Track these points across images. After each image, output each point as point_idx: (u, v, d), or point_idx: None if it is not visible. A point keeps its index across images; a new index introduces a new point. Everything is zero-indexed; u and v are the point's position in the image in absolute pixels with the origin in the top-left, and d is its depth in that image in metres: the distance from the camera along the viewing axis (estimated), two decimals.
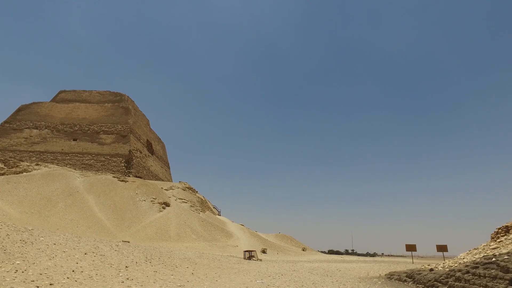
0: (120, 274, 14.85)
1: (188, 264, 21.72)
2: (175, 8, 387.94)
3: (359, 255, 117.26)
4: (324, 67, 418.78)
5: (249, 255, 36.51)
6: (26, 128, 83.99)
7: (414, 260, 57.60)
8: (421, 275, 19.87)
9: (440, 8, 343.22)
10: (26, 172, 74.12)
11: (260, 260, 36.25)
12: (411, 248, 38.94)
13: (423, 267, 23.57)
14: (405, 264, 36.69)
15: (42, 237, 19.43)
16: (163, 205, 66.26)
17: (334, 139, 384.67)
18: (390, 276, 23.63)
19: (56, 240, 19.78)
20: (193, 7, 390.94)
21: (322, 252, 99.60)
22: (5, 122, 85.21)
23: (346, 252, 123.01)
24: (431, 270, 19.98)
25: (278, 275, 22.14)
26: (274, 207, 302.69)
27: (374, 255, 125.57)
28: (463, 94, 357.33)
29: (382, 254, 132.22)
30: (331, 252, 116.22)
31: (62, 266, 13.98)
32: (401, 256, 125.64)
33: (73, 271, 13.62)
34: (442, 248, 38.27)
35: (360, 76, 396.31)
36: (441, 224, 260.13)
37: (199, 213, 71.72)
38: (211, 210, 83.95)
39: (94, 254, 18.13)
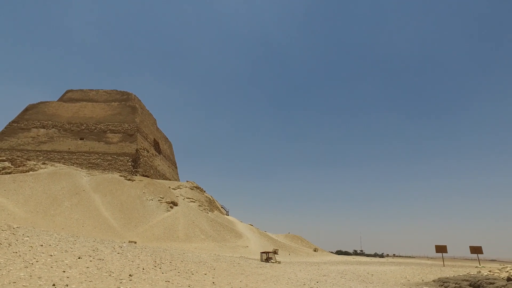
0: None
1: (206, 270, 17.27)
2: (180, 8, 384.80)
3: (367, 255, 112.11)
4: (327, 67, 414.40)
5: (267, 257, 32.00)
6: (33, 127, 79.97)
7: (432, 262, 53.09)
8: (495, 285, 15.32)
9: (445, 8, 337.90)
10: (33, 171, 70.03)
11: (279, 262, 31.71)
12: (441, 249, 34.31)
13: (487, 274, 18.94)
14: (439, 267, 32.09)
15: (27, 237, 15.08)
16: (171, 205, 61.85)
17: (341, 140, 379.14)
18: (443, 284, 19.06)
19: (46, 240, 15.44)
20: (198, 7, 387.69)
21: (330, 252, 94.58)
22: (13, 121, 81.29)
23: (355, 253, 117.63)
24: (509, 279, 15.40)
25: (312, 282, 17.68)
26: (280, 207, 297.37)
27: (382, 255, 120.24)
28: (469, 96, 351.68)
29: (394, 255, 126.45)
30: (339, 252, 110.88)
31: (40, 278, 9.61)
32: (410, 256, 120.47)
33: (53, 285, 9.25)
34: (476, 250, 33.67)
35: (364, 77, 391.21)
36: (447, 225, 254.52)
37: (207, 212, 67.24)
38: (219, 209, 79.41)
39: (91, 258, 13.77)
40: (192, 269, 16.79)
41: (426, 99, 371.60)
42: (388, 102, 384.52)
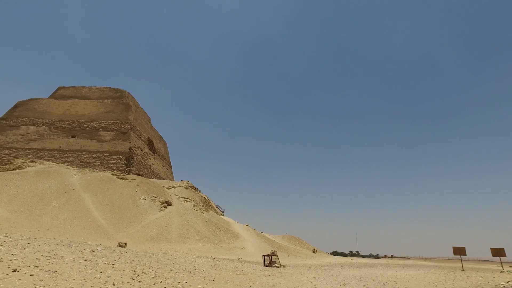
0: None
1: (202, 282, 12.61)
2: (174, 6, 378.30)
3: (362, 256, 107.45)
4: (323, 68, 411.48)
5: (270, 260, 27.35)
6: (23, 125, 74.26)
7: (433, 263, 48.87)
8: None
9: (442, 8, 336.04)
10: (20, 169, 64.42)
11: (284, 266, 27.10)
12: (460, 251, 30.04)
13: None
14: (462, 272, 27.78)
15: None
16: (165, 204, 56.77)
17: (336, 141, 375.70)
18: None
19: None
20: (192, 6, 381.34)
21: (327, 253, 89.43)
22: (1, 118, 75.37)
23: (351, 254, 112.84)
24: None
25: None
26: (273, 208, 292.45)
27: (378, 256, 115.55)
28: (465, 97, 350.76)
29: (392, 256, 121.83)
30: (335, 253, 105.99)
31: None
32: (405, 257, 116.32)
33: None
34: (498, 252, 29.53)
35: (359, 78, 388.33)
36: (439, 226, 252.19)
37: (202, 212, 62.26)
38: (215, 210, 74.42)
39: (35, 271, 9.08)
40: (184, 281, 12.13)
41: (421, 101, 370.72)
42: (383, 104, 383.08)
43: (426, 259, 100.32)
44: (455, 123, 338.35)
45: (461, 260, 31.54)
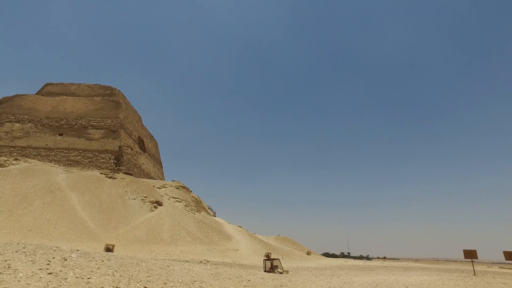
0: None
1: None
2: (168, 6, 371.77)
3: (354, 258, 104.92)
4: (317, 70, 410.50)
5: (271, 265, 24.24)
6: (7, 121, 69.31)
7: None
8: None
9: (434, 11, 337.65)
10: (2, 167, 59.71)
11: (287, 272, 24.03)
12: (470, 254, 27.63)
13: None
14: (477, 277, 25.25)
15: None
16: (155, 204, 53.12)
17: (327, 143, 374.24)
18: None
19: None
20: (187, 7, 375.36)
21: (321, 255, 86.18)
22: None
23: (342, 255, 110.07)
24: None
25: None
26: (265, 209, 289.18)
27: (368, 257, 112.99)
28: (457, 99, 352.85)
29: (384, 257, 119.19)
30: (326, 255, 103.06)
31: None
32: (395, 259, 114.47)
33: None
34: (511, 256, 27.19)
35: (351, 80, 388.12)
36: (431, 228, 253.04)
37: (194, 213, 58.75)
38: (206, 210, 70.85)
39: None
40: None
41: (412, 102, 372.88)
42: (375, 105, 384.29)
43: (416, 260, 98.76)
44: (446, 124, 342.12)
45: (472, 263, 29.11)
